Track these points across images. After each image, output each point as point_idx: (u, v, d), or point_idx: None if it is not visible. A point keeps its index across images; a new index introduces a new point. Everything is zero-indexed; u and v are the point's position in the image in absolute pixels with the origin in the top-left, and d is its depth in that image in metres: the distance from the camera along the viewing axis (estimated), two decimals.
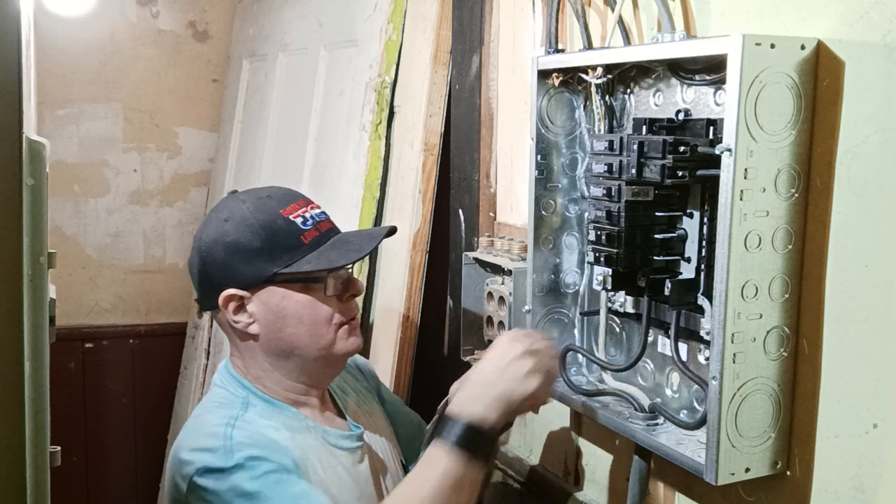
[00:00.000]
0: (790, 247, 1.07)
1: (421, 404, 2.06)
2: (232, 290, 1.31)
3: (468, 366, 1.74)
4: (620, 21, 1.33)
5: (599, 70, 1.31)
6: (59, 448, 1.24)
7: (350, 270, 1.38)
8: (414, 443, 1.61)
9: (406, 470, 1.54)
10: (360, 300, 2.14)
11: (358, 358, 1.63)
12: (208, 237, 1.34)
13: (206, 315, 2.22)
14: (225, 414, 1.29)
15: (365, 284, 2.15)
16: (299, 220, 1.33)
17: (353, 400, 1.52)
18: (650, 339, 1.30)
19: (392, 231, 1.41)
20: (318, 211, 1.38)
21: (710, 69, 1.16)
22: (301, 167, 2.50)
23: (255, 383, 1.36)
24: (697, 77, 1.19)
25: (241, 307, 1.32)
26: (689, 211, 1.20)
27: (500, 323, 1.64)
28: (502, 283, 1.63)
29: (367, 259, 2.14)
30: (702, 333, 1.18)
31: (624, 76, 1.33)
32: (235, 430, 1.24)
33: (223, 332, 1.40)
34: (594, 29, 1.44)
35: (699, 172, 1.14)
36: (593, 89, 1.35)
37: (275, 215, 1.32)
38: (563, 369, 1.40)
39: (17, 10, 1.02)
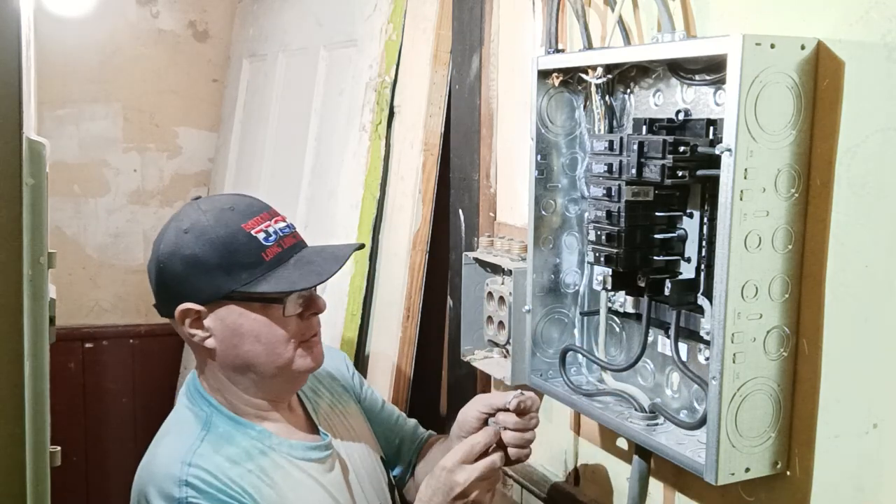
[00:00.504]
0: (790, 247, 1.07)
1: (421, 404, 2.07)
2: (188, 305, 1.28)
3: (468, 366, 1.75)
4: (620, 21, 1.33)
5: (599, 70, 1.31)
6: (59, 448, 1.24)
7: (313, 288, 1.34)
8: (393, 440, 1.59)
9: (386, 466, 1.53)
10: (359, 296, 2.14)
11: (335, 352, 1.60)
12: (167, 247, 1.30)
13: None
14: (185, 447, 1.27)
15: (364, 284, 2.15)
16: (261, 236, 1.29)
17: (327, 401, 1.49)
18: (650, 339, 1.30)
19: (360, 248, 1.39)
20: (282, 224, 1.33)
21: (710, 69, 1.16)
22: (301, 167, 2.50)
23: (217, 396, 1.34)
24: (697, 77, 1.19)
25: (197, 321, 1.29)
26: (689, 211, 1.20)
27: (500, 323, 1.64)
28: (502, 283, 1.63)
29: (367, 259, 2.14)
30: (702, 333, 1.18)
31: (624, 76, 1.33)
32: (190, 472, 1.24)
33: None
34: (594, 29, 1.44)
35: (699, 172, 1.14)
36: (593, 89, 1.35)
37: (236, 230, 1.28)
38: (563, 369, 1.40)
39: (17, 10, 1.02)
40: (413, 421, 1.65)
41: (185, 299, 1.28)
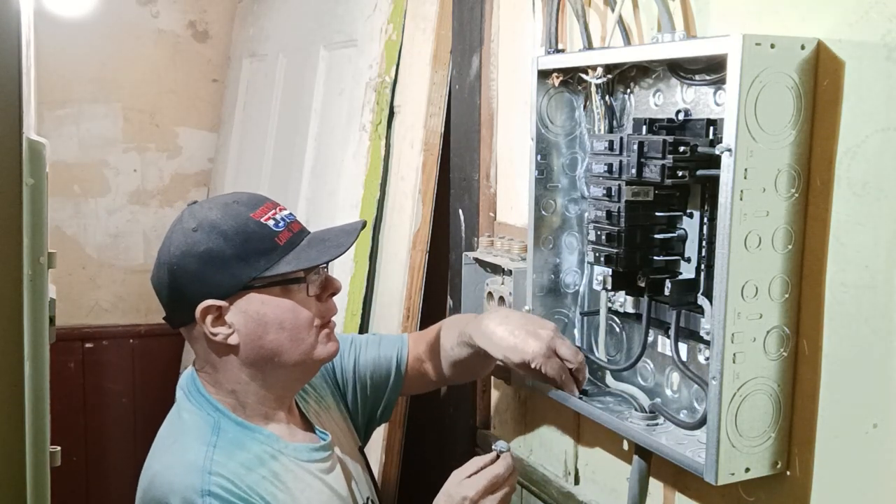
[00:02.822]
0: (790, 247, 1.07)
1: (420, 406, 2.07)
2: (209, 302, 1.26)
3: None
4: (620, 21, 1.33)
5: (599, 70, 1.31)
6: (59, 448, 1.24)
7: (326, 269, 1.35)
8: (390, 368, 1.57)
9: (363, 453, 1.53)
10: (358, 296, 2.14)
11: None
12: (177, 249, 1.28)
13: None
14: (199, 455, 1.25)
15: (364, 284, 2.15)
16: (271, 223, 1.29)
17: (313, 399, 1.49)
18: (650, 339, 1.30)
19: (363, 226, 1.39)
20: (286, 212, 1.34)
21: (710, 69, 1.17)
22: (301, 167, 2.50)
23: (227, 399, 1.33)
24: (697, 77, 1.19)
25: (219, 318, 1.28)
26: (689, 211, 1.20)
27: None
28: (502, 283, 1.63)
29: (367, 259, 2.14)
30: (702, 333, 1.18)
31: (624, 76, 1.33)
32: (212, 480, 1.22)
33: (193, 348, 1.36)
34: (594, 29, 1.44)
35: (699, 172, 1.14)
36: (593, 89, 1.35)
37: (245, 219, 1.28)
38: None
39: (17, 10, 1.02)
40: (387, 348, 1.60)
41: (203, 297, 1.27)
